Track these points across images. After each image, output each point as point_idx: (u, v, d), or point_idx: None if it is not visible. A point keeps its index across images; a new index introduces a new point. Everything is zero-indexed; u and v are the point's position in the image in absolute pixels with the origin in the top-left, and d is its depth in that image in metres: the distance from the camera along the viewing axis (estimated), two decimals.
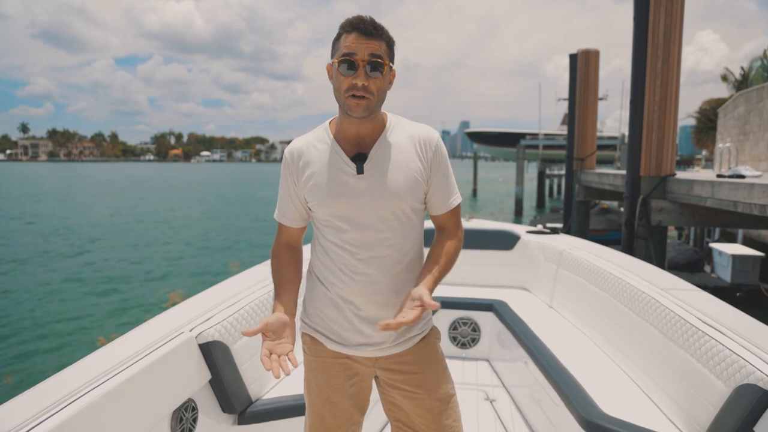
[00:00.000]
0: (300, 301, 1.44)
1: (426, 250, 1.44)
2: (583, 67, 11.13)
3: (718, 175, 6.64)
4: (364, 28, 1.23)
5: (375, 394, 1.51)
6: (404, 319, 1.15)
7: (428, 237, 1.43)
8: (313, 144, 1.37)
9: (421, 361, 1.42)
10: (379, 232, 1.33)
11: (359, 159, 1.31)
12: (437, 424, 1.41)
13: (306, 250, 1.56)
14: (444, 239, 1.41)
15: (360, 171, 1.30)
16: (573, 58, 11.44)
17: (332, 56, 1.28)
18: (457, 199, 1.42)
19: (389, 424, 1.51)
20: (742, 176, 6.12)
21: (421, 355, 1.43)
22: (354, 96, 1.23)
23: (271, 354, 1.17)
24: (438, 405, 1.41)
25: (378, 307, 1.36)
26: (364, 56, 1.22)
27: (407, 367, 1.41)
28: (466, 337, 3.31)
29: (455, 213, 1.44)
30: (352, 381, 1.43)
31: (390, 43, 1.28)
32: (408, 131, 1.37)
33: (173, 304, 2.02)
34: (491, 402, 2.76)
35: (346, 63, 1.23)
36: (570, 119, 11.71)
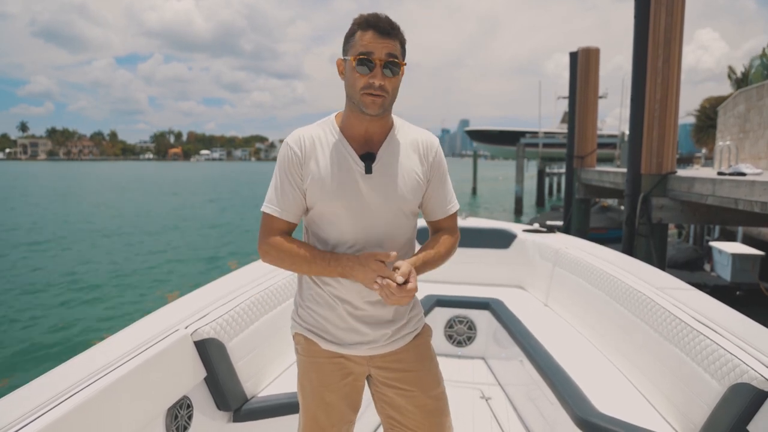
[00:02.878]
0: (292, 301, 1.44)
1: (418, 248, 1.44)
2: (583, 65, 11.12)
3: (719, 173, 6.63)
4: (381, 27, 1.23)
5: (367, 392, 1.51)
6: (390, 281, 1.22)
7: (421, 235, 1.43)
8: (319, 137, 1.34)
9: (415, 359, 1.43)
10: (379, 231, 1.34)
11: (368, 158, 1.31)
12: (429, 421, 1.42)
13: None
14: (440, 234, 1.45)
15: (368, 170, 1.31)
16: (573, 56, 11.43)
17: (345, 52, 1.28)
18: (454, 206, 1.46)
19: (381, 422, 1.51)
20: (743, 174, 6.10)
21: (414, 353, 1.44)
22: (370, 94, 1.24)
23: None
24: (430, 402, 1.42)
25: (373, 306, 1.36)
26: (382, 56, 1.22)
27: (401, 365, 1.42)
28: (462, 335, 3.30)
29: (452, 219, 1.47)
30: (346, 380, 1.43)
31: (403, 42, 1.29)
32: (412, 135, 1.39)
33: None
34: (487, 400, 2.76)
35: (364, 62, 1.23)
36: (570, 117, 11.70)
